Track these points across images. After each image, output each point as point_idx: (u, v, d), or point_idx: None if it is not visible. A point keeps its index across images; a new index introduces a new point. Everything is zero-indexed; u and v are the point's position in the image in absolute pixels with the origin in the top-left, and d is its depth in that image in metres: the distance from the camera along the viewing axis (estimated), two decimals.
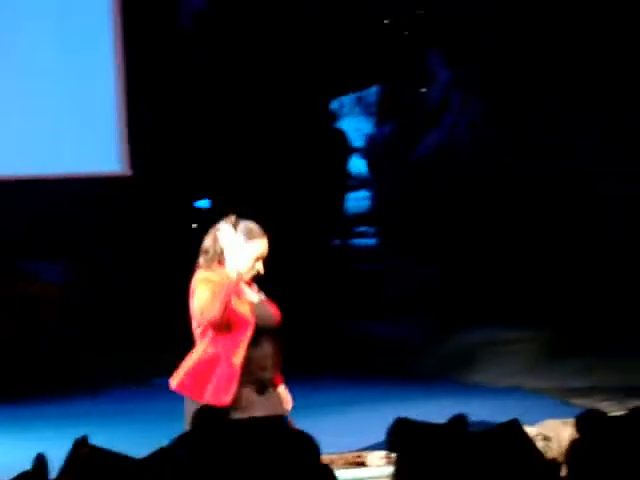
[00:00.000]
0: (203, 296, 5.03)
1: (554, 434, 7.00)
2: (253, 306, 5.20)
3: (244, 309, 5.13)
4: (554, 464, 5.03)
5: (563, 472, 4.09)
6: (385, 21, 15.49)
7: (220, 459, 3.07)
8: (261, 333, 5.21)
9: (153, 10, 14.26)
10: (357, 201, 19.19)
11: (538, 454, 3.33)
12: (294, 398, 5.65)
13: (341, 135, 18.04)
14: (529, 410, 9.41)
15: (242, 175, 15.28)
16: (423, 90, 17.30)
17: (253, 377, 5.19)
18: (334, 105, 18.37)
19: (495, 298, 14.18)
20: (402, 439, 4.26)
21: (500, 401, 10.68)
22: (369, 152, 18.33)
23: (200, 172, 15.30)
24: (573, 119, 14.62)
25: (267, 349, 5.26)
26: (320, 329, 14.38)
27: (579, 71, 14.43)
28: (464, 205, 15.67)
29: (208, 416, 3.62)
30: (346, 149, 18.16)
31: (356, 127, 19.54)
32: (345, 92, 18.25)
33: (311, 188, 15.79)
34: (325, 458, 6.47)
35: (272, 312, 5.35)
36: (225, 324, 5.03)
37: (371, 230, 18.89)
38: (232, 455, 3.04)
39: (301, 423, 6.67)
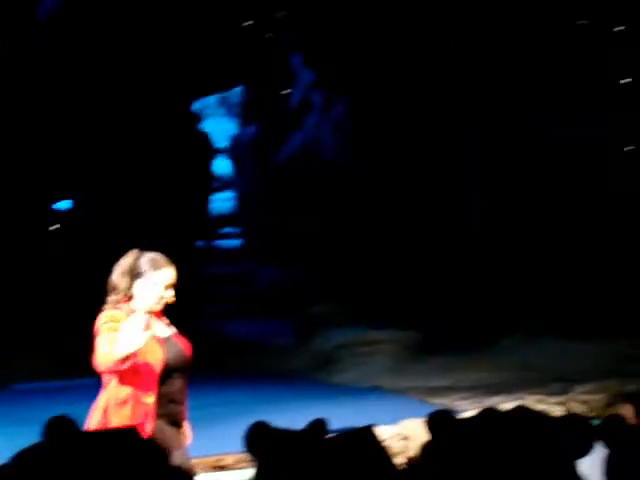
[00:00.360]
0: (103, 348, 4.91)
1: (413, 434, 7.09)
2: (163, 342, 5.08)
3: (153, 355, 5.00)
4: (409, 465, 5.09)
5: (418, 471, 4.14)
6: (247, 23, 15.45)
7: (70, 468, 3.02)
8: (171, 369, 5.10)
9: (6, 11, 13.97)
10: (221, 202, 19.13)
11: (388, 459, 3.36)
12: None
13: (204, 137, 18.00)
14: (390, 410, 9.52)
15: (104, 177, 15.05)
16: (286, 92, 17.35)
17: (164, 411, 5.08)
18: (198, 106, 18.28)
19: (358, 299, 14.31)
20: (260, 444, 4.25)
21: (362, 401, 10.77)
22: (233, 153, 18.31)
23: (60, 174, 15.01)
24: (436, 114, 14.82)
25: (177, 384, 5.14)
26: (185, 331, 14.26)
27: (439, 68, 14.65)
28: (328, 206, 15.77)
29: (60, 426, 3.54)
30: (209, 150, 18.09)
31: (220, 128, 19.49)
32: (209, 93, 18.17)
33: (174, 190, 15.61)
34: None
35: (182, 347, 5.24)
36: (133, 371, 4.92)
37: (235, 231, 18.85)
38: (82, 463, 2.99)
39: None
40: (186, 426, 5.29)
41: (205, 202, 18.33)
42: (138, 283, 5.04)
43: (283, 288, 15.58)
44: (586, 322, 12.67)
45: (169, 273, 5.12)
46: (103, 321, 5.03)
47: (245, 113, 18.97)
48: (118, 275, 5.09)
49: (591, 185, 13.97)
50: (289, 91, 17.29)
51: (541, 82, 14.24)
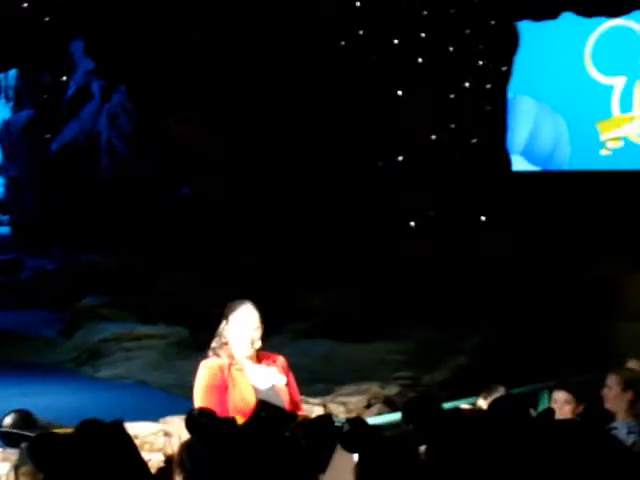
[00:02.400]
0: (196, 399, 4.96)
1: (176, 430, 7.10)
2: (257, 393, 4.85)
3: (245, 402, 4.78)
4: (168, 461, 5.10)
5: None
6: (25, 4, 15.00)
7: None
8: None
9: None
10: None
11: (137, 454, 3.36)
12: None
13: None
14: (154, 406, 9.49)
15: None
16: (64, 78, 16.99)
17: None
18: None
19: (127, 293, 14.17)
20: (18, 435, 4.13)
21: (127, 397, 10.70)
22: (5, 137, 17.77)
23: None
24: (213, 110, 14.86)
25: None
26: None
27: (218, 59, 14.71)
28: (102, 196, 15.56)
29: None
30: None
31: None
32: None
33: None
34: None
35: (281, 399, 4.97)
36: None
37: (4, 218, 18.32)
38: None
39: None
40: None
41: None
42: (226, 327, 5.07)
43: (51, 279, 15.24)
44: (353, 325, 12.96)
45: (247, 315, 5.09)
46: (199, 369, 5.01)
47: (19, 97, 18.45)
48: (222, 325, 5.14)
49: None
50: (66, 78, 16.95)
51: None
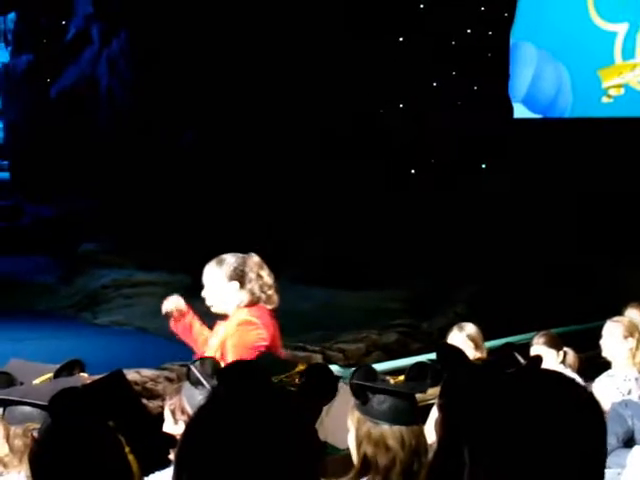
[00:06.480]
0: None
1: (176, 376, 7.14)
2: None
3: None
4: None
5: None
6: None
7: None
8: None
9: None
10: None
11: (139, 401, 3.37)
12: None
13: None
14: (156, 353, 9.53)
15: None
16: (63, 22, 16.86)
17: None
18: None
19: (127, 239, 14.15)
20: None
21: (128, 343, 10.72)
22: (4, 82, 17.66)
23: None
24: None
25: None
26: None
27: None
28: (101, 142, 15.49)
29: None
30: None
31: None
32: None
33: None
34: None
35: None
36: None
37: (4, 164, 18.26)
38: None
39: None
40: None
41: None
42: None
43: (50, 224, 15.22)
44: (348, 273, 12.94)
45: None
46: None
47: (19, 41, 18.30)
48: None
49: None
50: (66, 22, 16.81)
51: None
